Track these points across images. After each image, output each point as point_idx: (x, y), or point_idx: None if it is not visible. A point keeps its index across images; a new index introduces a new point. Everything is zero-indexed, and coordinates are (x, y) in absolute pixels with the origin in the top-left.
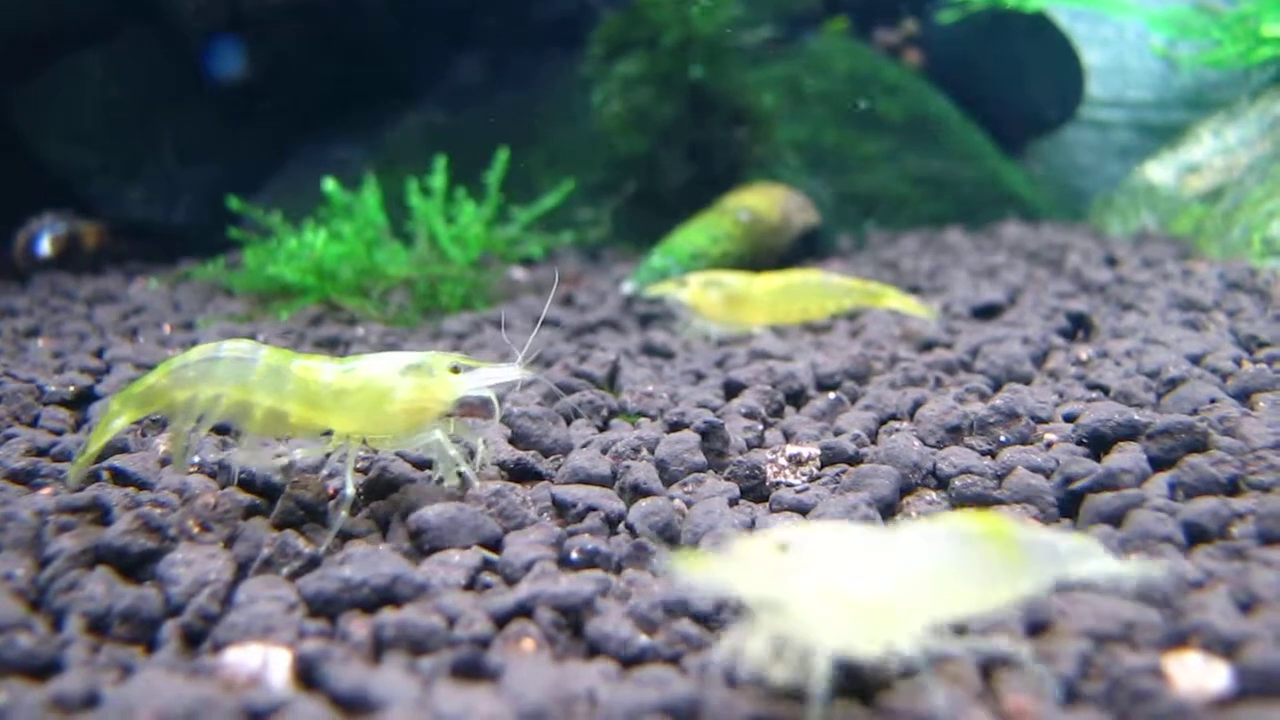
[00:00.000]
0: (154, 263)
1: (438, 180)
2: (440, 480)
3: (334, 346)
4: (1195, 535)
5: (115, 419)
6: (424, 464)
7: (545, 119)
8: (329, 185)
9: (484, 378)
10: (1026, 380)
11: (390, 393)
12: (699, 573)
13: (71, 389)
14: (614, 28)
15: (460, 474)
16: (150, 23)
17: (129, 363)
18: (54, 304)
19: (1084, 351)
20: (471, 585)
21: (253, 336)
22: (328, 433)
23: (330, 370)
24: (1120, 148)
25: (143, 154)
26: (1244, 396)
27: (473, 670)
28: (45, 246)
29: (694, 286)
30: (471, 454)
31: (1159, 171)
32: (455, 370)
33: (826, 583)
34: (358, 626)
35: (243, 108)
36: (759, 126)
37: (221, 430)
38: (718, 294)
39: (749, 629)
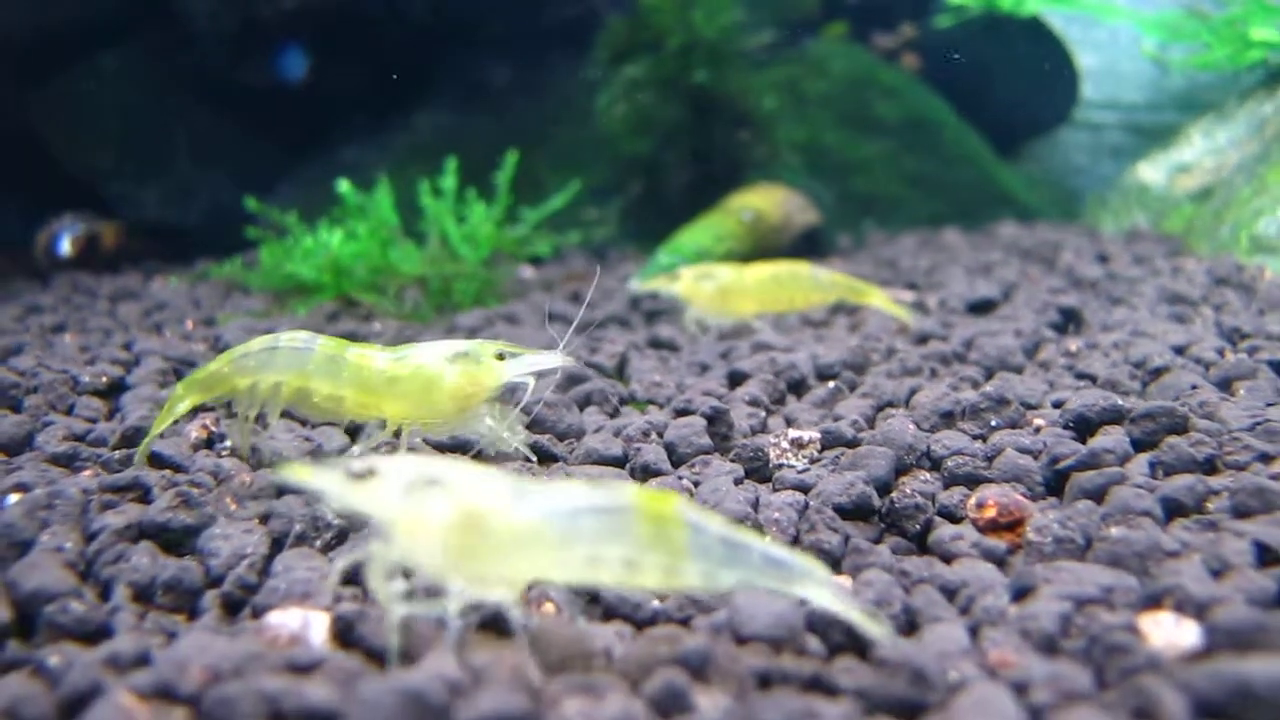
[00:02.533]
0: (170, 262)
1: (448, 181)
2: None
3: (351, 341)
4: (1173, 509)
5: (180, 402)
6: (445, 447)
7: (552, 121)
8: (343, 186)
9: (528, 364)
10: (1018, 370)
11: (439, 379)
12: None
13: (104, 379)
14: (619, 32)
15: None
16: (165, 28)
17: (158, 355)
18: (77, 301)
19: (1074, 343)
20: None
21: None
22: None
23: (383, 358)
24: (1113, 148)
25: (158, 156)
26: (1225, 384)
27: (499, 628)
28: (65, 246)
29: (686, 279)
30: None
31: (1151, 171)
32: (500, 357)
33: (428, 512)
34: None
35: (255, 111)
36: (760, 128)
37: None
38: (710, 285)
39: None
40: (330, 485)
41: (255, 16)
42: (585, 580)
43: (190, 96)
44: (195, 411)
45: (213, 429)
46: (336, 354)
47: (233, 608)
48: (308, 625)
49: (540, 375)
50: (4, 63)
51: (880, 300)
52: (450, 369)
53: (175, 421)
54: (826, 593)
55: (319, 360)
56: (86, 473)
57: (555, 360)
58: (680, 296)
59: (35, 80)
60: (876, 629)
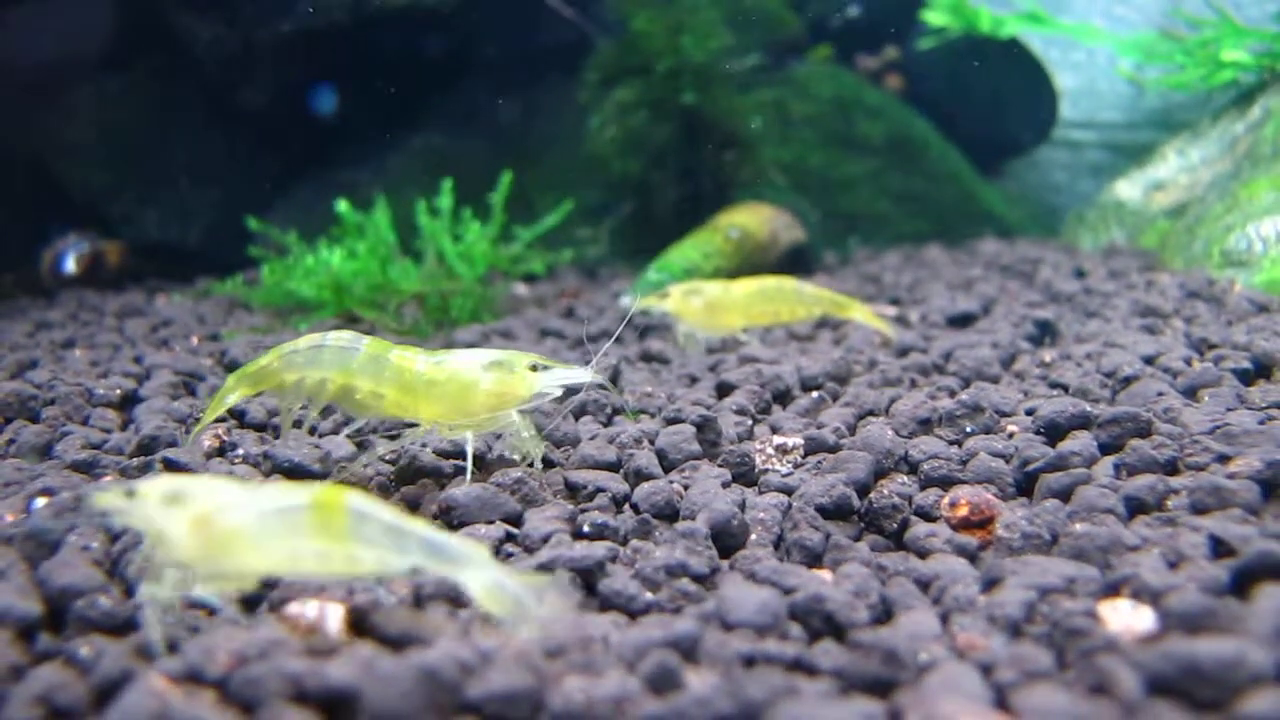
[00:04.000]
0: (171, 280)
1: (444, 201)
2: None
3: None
4: (1135, 507)
5: (230, 394)
6: (448, 454)
7: (545, 142)
8: (342, 206)
9: (559, 377)
10: (994, 380)
11: (474, 385)
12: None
13: (118, 391)
14: (610, 56)
15: (528, 458)
16: (166, 52)
17: (167, 369)
18: (84, 318)
19: (1048, 355)
20: (497, 554)
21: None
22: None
23: (423, 361)
24: (1092, 166)
25: (159, 177)
26: (1191, 392)
27: None
28: (70, 264)
29: (675, 296)
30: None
31: (1128, 189)
32: (533, 368)
33: (174, 522)
34: (400, 586)
35: (254, 132)
36: (747, 149)
37: (259, 427)
38: (698, 301)
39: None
40: (113, 505)
41: (254, 40)
42: (297, 572)
43: (190, 118)
44: None
45: (224, 438)
46: (380, 354)
47: (251, 603)
48: (325, 615)
49: (567, 389)
50: (9, 86)
51: (863, 314)
52: (485, 376)
53: (224, 411)
54: (486, 575)
55: (363, 359)
56: (107, 478)
57: (584, 375)
58: (671, 313)
59: (40, 103)
60: (540, 607)
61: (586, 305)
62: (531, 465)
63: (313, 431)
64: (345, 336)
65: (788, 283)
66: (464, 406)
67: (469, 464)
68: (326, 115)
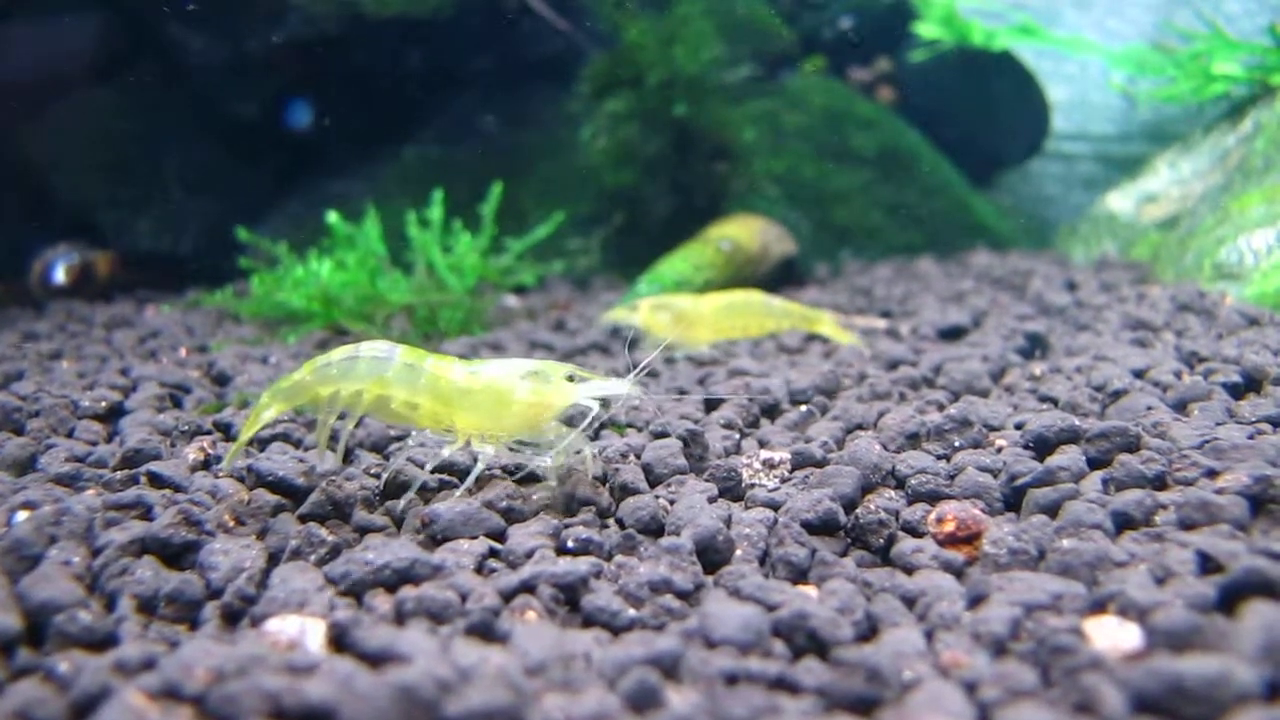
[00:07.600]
0: (161, 291)
1: (435, 212)
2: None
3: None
4: (1122, 523)
5: (266, 410)
6: (434, 469)
7: (536, 154)
8: (332, 217)
9: (596, 389)
10: (984, 394)
11: (510, 394)
12: None
13: (103, 404)
14: (602, 67)
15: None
16: (157, 62)
17: (154, 381)
18: (72, 329)
19: (1038, 368)
20: (480, 570)
21: (264, 359)
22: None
23: (459, 370)
24: (1084, 179)
25: (150, 187)
26: (1181, 406)
27: (485, 632)
28: (60, 275)
29: (644, 310)
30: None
31: (1120, 201)
32: (570, 379)
33: None
34: (381, 602)
35: (245, 143)
36: (739, 160)
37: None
38: (666, 315)
39: None
40: None
41: (246, 51)
42: None
43: (182, 128)
44: (193, 435)
45: (210, 451)
46: (415, 363)
47: (232, 618)
48: (304, 632)
49: (605, 401)
50: (0, 96)
51: (830, 328)
52: (521, 386)
53: (261, 428)
54: None
55: (399, 368)
56: (90, 492)
57: (623, 387)
58: (640, 326)
59: (30, 112)
60: None
61: (577, 317)
62: (520, 478)
63: (298, 445)
64: (379, 346)
65: (755, 296)
66: (499, 416)
67: (471, 480)
68: (317, 126)
